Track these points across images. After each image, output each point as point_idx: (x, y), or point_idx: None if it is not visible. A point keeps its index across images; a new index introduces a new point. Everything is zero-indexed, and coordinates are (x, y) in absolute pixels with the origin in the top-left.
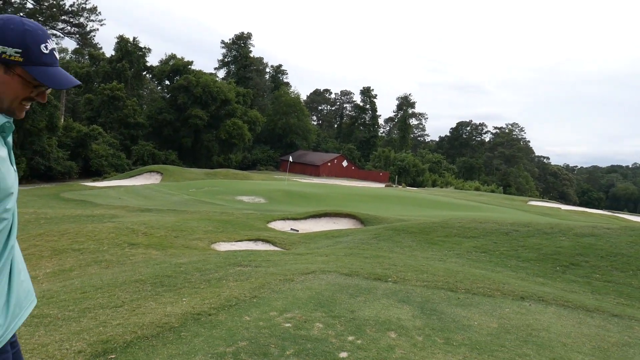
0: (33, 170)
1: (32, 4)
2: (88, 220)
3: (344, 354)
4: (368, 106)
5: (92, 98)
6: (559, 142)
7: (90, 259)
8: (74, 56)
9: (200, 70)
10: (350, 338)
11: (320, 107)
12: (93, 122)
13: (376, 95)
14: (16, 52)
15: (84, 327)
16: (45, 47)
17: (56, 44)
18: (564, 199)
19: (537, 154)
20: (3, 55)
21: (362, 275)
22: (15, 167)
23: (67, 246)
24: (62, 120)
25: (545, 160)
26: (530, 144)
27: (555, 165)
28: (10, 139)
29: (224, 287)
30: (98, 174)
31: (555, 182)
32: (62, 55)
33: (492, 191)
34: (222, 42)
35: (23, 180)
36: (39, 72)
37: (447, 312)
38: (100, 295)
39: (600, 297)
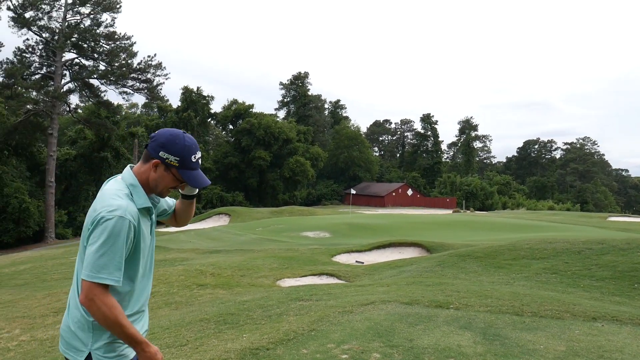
0: None
1: (104, 65)
2: (161, 265)
3: None
4: (429, 133)
5: None
6: (638, 153)
7: (161, 302)
8: (144, 110)
9: (261, 113)
10: None
11: (381, 138)
12: None
13: (437, 121)
14: (175, 160)
15: None
16: (194, 157)
17: (126, 100)
18: None
19: (614, 167)
20: (166, 160)
21: (422, 303)
22: (153, 234)
23: None
24: None
25: (624, 173)
26: (606, 157)
27: (636, 177)
28: (154, 216)
29: (284, 321)
30: None
31: (638, 195)
32: (133, 110)
33: (568, 209)
34: (281, 83)
35: None
36: (186, 174)
37: (511, 336)
38: (167, 335)
39: None
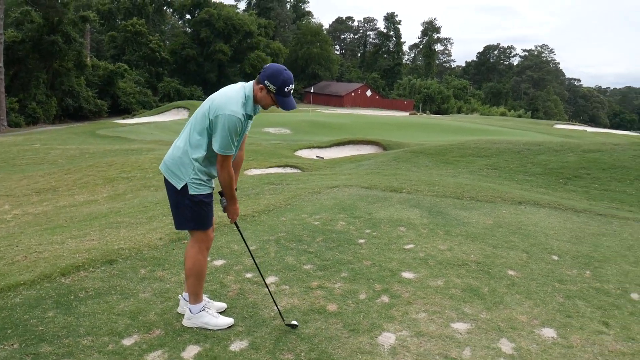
0: (64, 110)
1: None
2: (128, 154)
3: (361, 240)
4: (392, 33)
5: (116, 35)
6: (593, 63)
7: (139, 185)
8: None
9: (221, 3)
10: (367, 231)
11: (343, 36)
12: (118, 60)
13: (400, 21)
14: (273, 87)
15: (156, 227)
16: (287, 88)
17: None
18: (594, 121)
19: (568, 76)
20: (268, 87)
21: (379, 188)
22: (245, 131)
23: (116, 175)
24: (89, 59)
25: (576, 83)
26: (561, 66)
27: (586, 87)
28: (251, 120)
29: (262, 198)
30: (127, 112)
31: (586, 104)
32: None
33: (519, 116)
34: None
35: (56, 120)
36: (279, 99)
37: (451, 213)
38: (160, 208)
39: (595, 202)
